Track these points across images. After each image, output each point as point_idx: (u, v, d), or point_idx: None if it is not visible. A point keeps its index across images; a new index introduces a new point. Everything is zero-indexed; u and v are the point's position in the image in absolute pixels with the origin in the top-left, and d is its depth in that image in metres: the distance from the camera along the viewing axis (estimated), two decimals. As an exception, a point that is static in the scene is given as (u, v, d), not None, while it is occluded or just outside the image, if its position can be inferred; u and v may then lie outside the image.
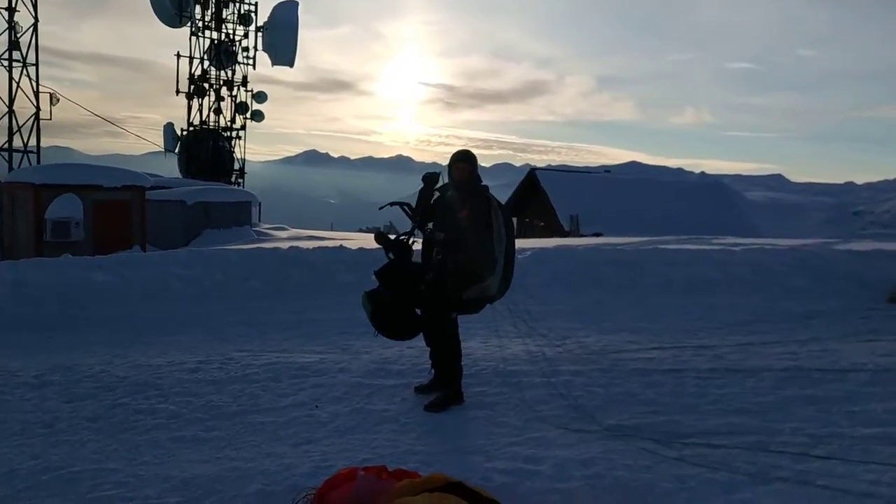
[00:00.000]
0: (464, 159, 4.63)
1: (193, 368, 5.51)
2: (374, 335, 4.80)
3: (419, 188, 4.73)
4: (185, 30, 26.15)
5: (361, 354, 5.85)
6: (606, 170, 48.62)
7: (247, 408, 4.67)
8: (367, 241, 14.47)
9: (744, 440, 3.93)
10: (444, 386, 4.64)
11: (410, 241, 4.69)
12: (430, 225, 4.73)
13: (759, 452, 3.77)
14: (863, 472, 3.51)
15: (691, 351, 5.73)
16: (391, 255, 4.66)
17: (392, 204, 4.89)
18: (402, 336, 4.81)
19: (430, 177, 4.72)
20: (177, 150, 26.97)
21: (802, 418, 4.23)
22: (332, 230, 30.07)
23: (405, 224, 4.89)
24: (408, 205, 4.81)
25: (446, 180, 4.68)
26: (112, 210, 15.71)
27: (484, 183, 4.67)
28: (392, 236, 4.71)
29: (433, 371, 4.80)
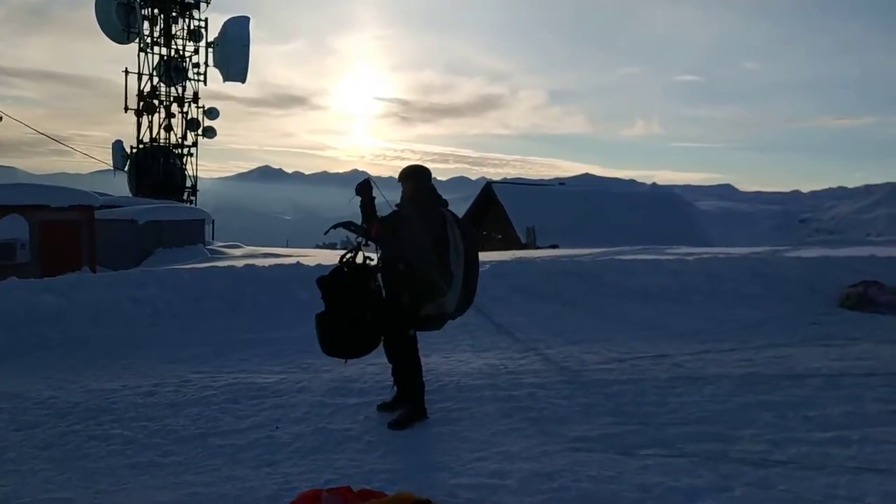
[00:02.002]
0: (406, 177, 4.62)
1: (148, 392, 5.36)
2: (344, 363, 4.73)
3: (359, 203, 4.67)
4: (134, 46, 25.66)
5: (322, 373, 5.77)
6: (561, 182, 49.30)
7: (205, 431, 4.55)
8: (325, 257, 14.36)
9: (705, 448, 3.99)
10: (407, 403, 4.60)
11: (359, 258, 4.60)
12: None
13: (720, 460, 3.83)
14: (821, 476, 3.59)
15: (650, 360, 5.81)
16: (360, 241, 4.59)
17: (335, 226, 4.83)
18: (354, 354, 4.70)
19: (363, 186, 4.69)
20: (126, 169, 26.36)
21: (761, 424, 4.31)
22: (287, 247, 29.72)
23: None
24: (351, 223, 4.76)
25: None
26: (60, 231, 15.25)
27: (443, 197, 4.66)
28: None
29: (395, 388, 4.75)
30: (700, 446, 4.02)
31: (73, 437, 4.45)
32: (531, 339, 6.76)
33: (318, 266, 9.91)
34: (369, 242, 4.65)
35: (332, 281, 4.49)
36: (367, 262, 4.60)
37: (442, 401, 4.82)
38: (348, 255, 4.58)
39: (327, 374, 5.69)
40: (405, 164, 4.93)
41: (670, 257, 10.18)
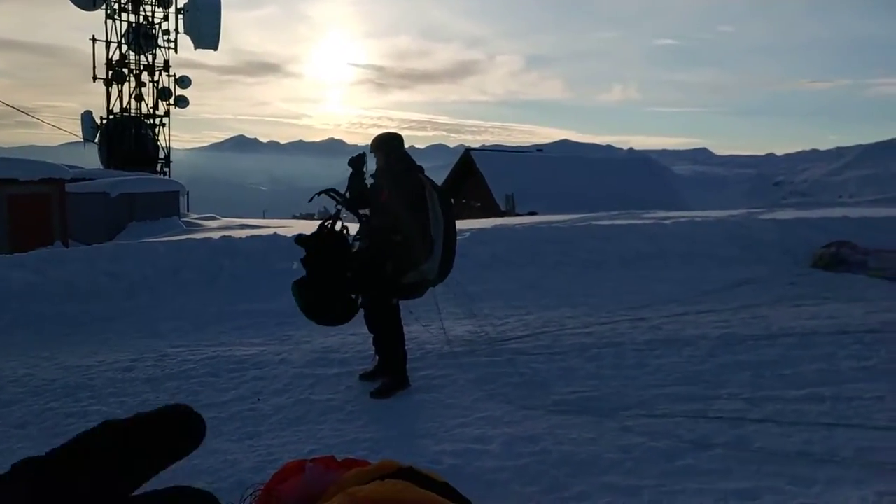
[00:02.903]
0: (378, 147, 4.60)
1: (127, 367, 5.31)
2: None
3: (349, 174, 4.64)
4: (101, 13, 24.92)
5: (302, 344, 5.75)
6: (539, 149, 49.25)
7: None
8: (303, 227, 14.24)
9: (684, 408, 4.05)
10: (389, 372, 4.61)
11: (338, 227, 4.57)
12: (367, 211, 4.65)
13: (699, 419, 3.89)
14: (796, 433, 3.66)
15: (628, 324, 5.86)
16: (339, 209, 4.56)
17: (319, 193, 4.78)
18: (339, 321, 4.69)
19: (356, 160, 4.64)
20: (96, 140, 25.80)
21: (738, 384, 4.39)
22: (264, 218, 29.45)
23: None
24: (334, 190, 4.71)
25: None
26: (30, 205, 14.93)
27: (419, 164, 4.62)
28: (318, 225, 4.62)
29: (377, 357, 4.75)
30: (679, 407, 4.08)
31: (51, 415, 4.40)
32: (511, 306, 6.79)
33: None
34: (349, 212, 4.61)
35: (313, 237, 4.46)
36: (345, 230, 4.56)
37: (423, 368, 4.83)
38: (328, 223, 4.54)
39: (308, 345, 5.68)
40: (382, 131, 4.87)
41: (647, 222, 10.24)
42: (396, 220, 4.41)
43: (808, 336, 5.17)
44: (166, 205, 19.15)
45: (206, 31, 25.23)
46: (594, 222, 10.53)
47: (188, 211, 22.10)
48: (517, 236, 9.29)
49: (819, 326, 5.40)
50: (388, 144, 4.59)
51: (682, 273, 8.13)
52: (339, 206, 4.61)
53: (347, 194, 4.67)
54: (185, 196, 21.87)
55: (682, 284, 7.52)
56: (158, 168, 26.76)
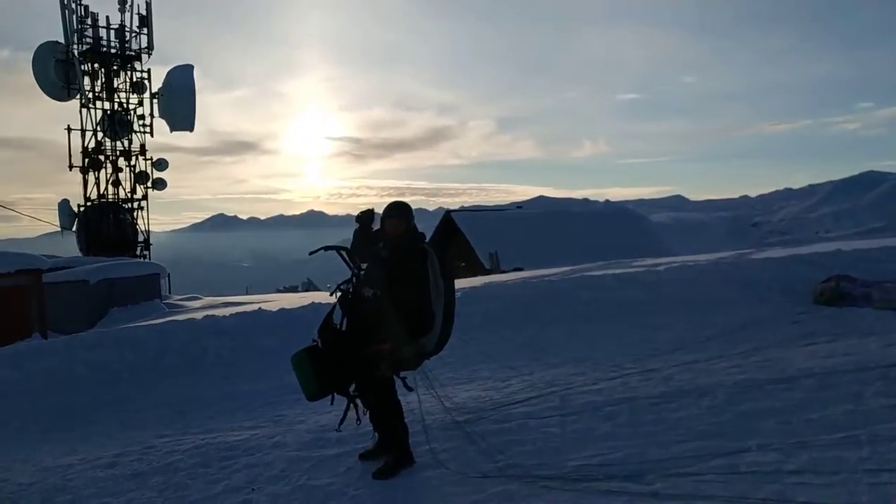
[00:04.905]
0: (397, 215, 4.33)
1: (109, 463, 4.94)
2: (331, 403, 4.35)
3: (354, 229, 4.42)
4: (75, 102, 24.95)
5: (296, 425, 5.41)
6: (518, 206, 49.61)
7: (174, 502, 4.17)
8: (287, 301, 13.92)
9: (713, 464, 3.77)
10: (391, 449, 4.28)
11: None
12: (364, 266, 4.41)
13: (731, 475, 3.61)
14: (839, 483, 3.39)
15: (638, 376, 5.59)
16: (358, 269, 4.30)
17: (326, 248, 4.53)
18: (346, 385, 4.36)
19: (364, 215, 4.43)
20: (74, 228, 25.46)
21: (765, 433, 4.11)
22: (248, 294, 29.00)
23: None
24: (344, 249, 4.47)
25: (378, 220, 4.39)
26: (5, 298, 14.48)
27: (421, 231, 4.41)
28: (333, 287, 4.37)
29: (376, 434, 4.43)
30: (707, 463, 3.79)
31: (25, 525, 4.02)
32: (512, 366, 6.50)
33: (281, 310, 9.53)
34: (360, 272, 4.36)
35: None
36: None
37: (428, 442, 4.49)
38: (344, 286, 4.29)
39: (302, 426, 5.34)
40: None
41: (640, 269, 10.06)
42: (396, 298, 4.15)
43: (828, 376, 4.92)
44: (147, 288, 18.71)
45: (181, 114, 25.26)
46: (587, 273, 10.34)
47: (170, 293, 21.66)
48: (509, 293, 9.06)
49: (837, 365, 5.15)
50: (409, 214, 4.36)
51: (682, 319, 7.90)
52: (354, 269, 4.35)
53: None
54: (167, 278, 21.46)
55: (684, 331, 7.28)
56: (138, 252, 26.38)
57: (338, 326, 4.30)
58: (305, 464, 4.50)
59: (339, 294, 4.31)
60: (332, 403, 4.33)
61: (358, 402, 4.31)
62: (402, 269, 4.20)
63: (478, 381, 6.07)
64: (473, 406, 5.26)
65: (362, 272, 4.36)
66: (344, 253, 4.41)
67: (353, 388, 4.31)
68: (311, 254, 4.64)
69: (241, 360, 8.05)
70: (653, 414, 4.64)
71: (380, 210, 4.45)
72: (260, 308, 9.85)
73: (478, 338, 7.58)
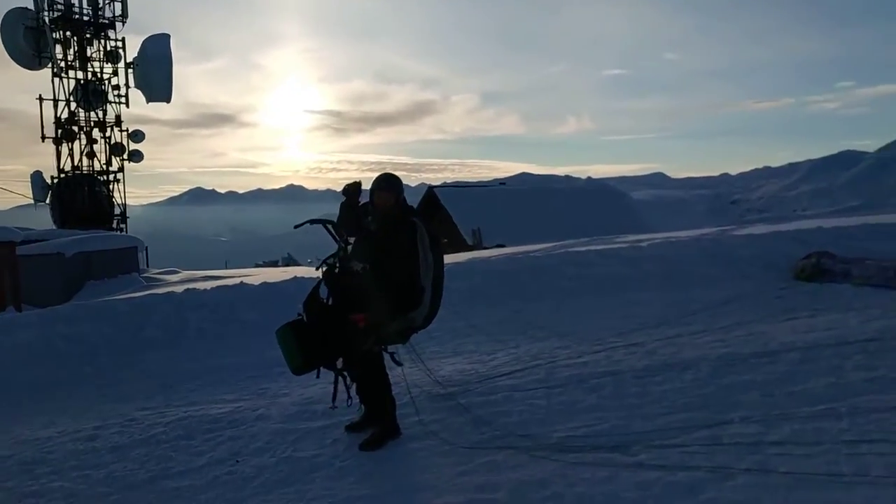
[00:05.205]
0: (387, 187, 4.26)
1: (90, 436, 4.89)
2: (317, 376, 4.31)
3: (340, 202, 4.36)
4: (47, 71, 24.33)
5: (280, 398, 5.38)
6: (502, 182, 49.52)
7: (157, 473, 4.14)
8: (269, 275, 13.82)
9: (697, 436, 3.80)
10: (378, 421, 4.27)
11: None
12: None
13: (715, 446, 3.64)
14: (820, 453, 3.43)
15: (623, 350, 5.62)
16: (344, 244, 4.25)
17: (312, 222, 4.47)
18: (332, 359, 4.33)
19: (351, 188, 4.37)
20: (48, 200, 24.98)
21: (748, 405, 4.15)
22: (227, 268, 28.78)
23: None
24: (330, 222, 4.41)
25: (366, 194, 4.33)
26: (-22, 271, 14.23)
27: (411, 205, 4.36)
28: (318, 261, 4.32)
29: (363, 406, 4.41)
30: (691, 435, 3.82)
31: (6, 497, 3.98)
32: (498, 340, 6.51)
33: (264, 284, 9.46)
34: (340, 239, 4.31)
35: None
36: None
37: (414, 414, 4.49)
38: (331, 260, 4.24)
39: (286, 398, 5.31)
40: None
41: (623, 245, 10.10)
42: (385, 268, 4.11)
43: (810, 350, 4.98)
44: (125, 261, 18.46)
45: (157, 84, 24.70)
46: (571, 249, 10.35)
47: (148, 266, 21.41)
48: (494, 268, 9.05)
49: (819, 339, 5.22)
50: (399, 187, 4.29)
51: (665, 295, 7.94)
52: (341, 243, 4.30)
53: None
54: (145, 252, 21.20)
55: (668, 306, 7.32)
56: (115, 225, 25.97)
57: (324, 301, 4.27)
58: (290, 436, 4.48)
59: (324, 268, 4.27)
60: (317, 377, 4.30)
61: (346, 375, 4.29)
62: (391, 242, 4.15)
63: (463, 355, 6.07)
64: (459, 379, 5.27)
65: (349, 246, 4.31)
66: (330, 226, 4.36)
67: (340, 362, 4.29)
68: (296, 227, 4.59)
69: (223, 333, 7.98)
70: (637, 387, 4.67)
71: (367, 184, 4.40)
72: (242, 282, 9.77)
73: (462, 312, 7.58)
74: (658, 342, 5.74)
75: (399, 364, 4.43)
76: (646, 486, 3.31)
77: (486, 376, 5.26)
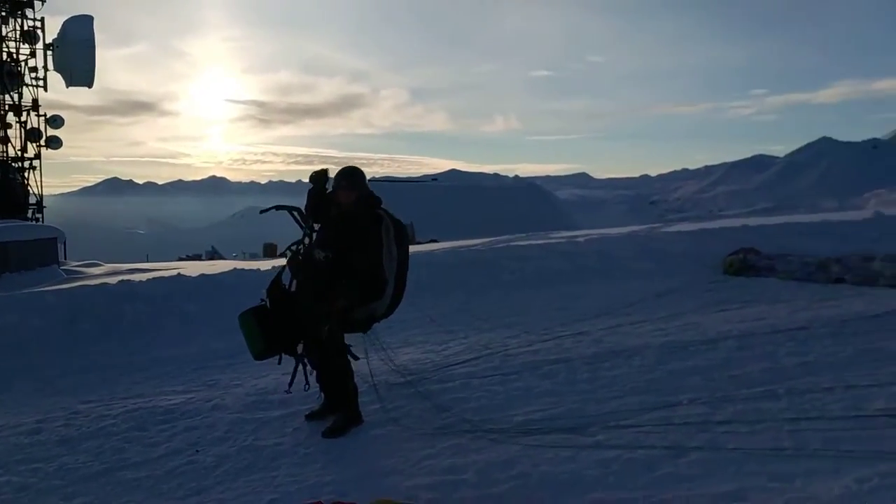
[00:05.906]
0: (347, 186, 4.22)
1: (32, 430, 4.70)
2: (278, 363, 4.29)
3: (308, 189, 4.36)
4: (-45, 51, 22.91)
5: (232, 388, 5.32)
6: (434, 178, 49.74)
7: (112, 465, 4.04)
8: (198, 268, 13.46)
9: (649, 417, 4.01)
10: (340, 409, 4.30)
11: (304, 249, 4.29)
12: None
13: (667, 426, 3.86)
14: (764, 430, 3.70)
15: (570, 339, 5.83)
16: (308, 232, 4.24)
17: (277, 208, 4.45)
18: (293, 345, 4.33)
19: (318, 175, 4.37)
20: (-44, 188, 23.53)
21: (693, 389, 4.41)
22: (149, 262, 27.79)
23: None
24: (297, 209, 4.39)
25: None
26: None
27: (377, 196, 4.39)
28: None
29: (322, 395, 4.43)
30: (644, 416, 4.03)
31: (-48, 493, 3.79)
32: (447, 330, 6.62)
33: (202, 276, 9.25)
34: (305, 225, 4.30)
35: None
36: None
37: (375, 402, 4.54)
38: (295, 247, 4.23)
39: (240, 389, 5.25)
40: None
41: (561, 240, 10.40)
42: (348, 262, 4.14)
43: (745, 338, 5.31)
44: (44, 253, 17.58)
45: (79, 68, 23.53)
46: (512, 243, 10.58)
47: (66, 259, 20.47)
48: (438, 261, 9.15)
49: (752, 328, 5.57)
50: (361, 182, 4.28)
51: (603, 288, 8.25)
52: (306, 230, 4.30)
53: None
54: (63, 244, 20.26)
55: (606, 298, 7.60)
56: (30, 215, 24.69)
57: (286, 287, 4.26)
58: (249, 425, 4.44)
59: (289, 254, 4.27)
60: (279, 363, 4.29)
61: (306, 361, 4.30)
62: (355, 234, 4.18)
63: (416, 345, 6.15)
64: (415, 368, 5.35)
65: (315, 233, 4.32)
66: (296, 213, 4.36)
67: (300, 348, 4.30)
68: (262, 212, 4.56)
69: (163, 325, 7.78)
70: (588, 373, 4.88)
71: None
72: (179, 273, 9.54)
73: (409, 303, 7.64)
74: (602, 331, 5.99)
75: (356, 358, 4.45)
76: (606, 464, 3.48)
77: (440, 365, 5.36)
